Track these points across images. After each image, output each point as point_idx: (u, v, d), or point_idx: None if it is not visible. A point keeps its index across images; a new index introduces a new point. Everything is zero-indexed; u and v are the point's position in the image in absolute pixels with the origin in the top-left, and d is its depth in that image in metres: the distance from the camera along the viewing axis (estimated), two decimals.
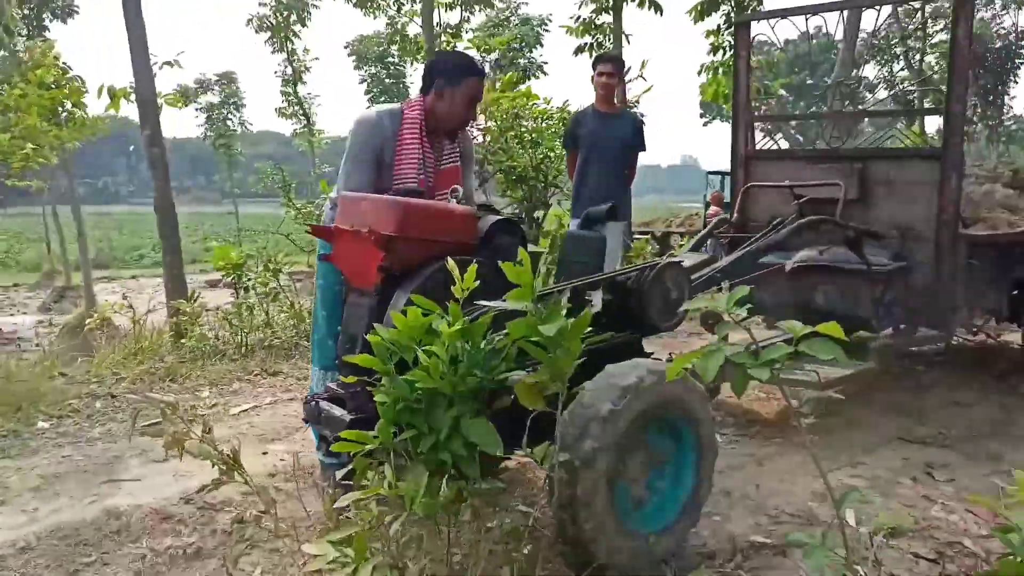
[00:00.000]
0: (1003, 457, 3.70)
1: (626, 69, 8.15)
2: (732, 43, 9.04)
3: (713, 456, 2.77)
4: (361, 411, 2.34)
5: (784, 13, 4.23)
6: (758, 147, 4.78)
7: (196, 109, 25.71)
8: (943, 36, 17.11)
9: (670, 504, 2.71)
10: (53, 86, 6.53)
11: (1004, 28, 25.23)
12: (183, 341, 5.52)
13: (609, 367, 2.57)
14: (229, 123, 26.23)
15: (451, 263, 2.13)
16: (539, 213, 7.62)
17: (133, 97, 6.32)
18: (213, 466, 2.16)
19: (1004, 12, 24.42)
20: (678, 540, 2.69)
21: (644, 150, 5.53)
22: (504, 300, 2.13)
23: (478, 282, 2.18)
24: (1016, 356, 5.14)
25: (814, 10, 4.18)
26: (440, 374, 2.03)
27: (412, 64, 19.23)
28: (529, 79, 22.27)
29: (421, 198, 2.61)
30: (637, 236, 10.38)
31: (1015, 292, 4.74)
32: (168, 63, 6.47)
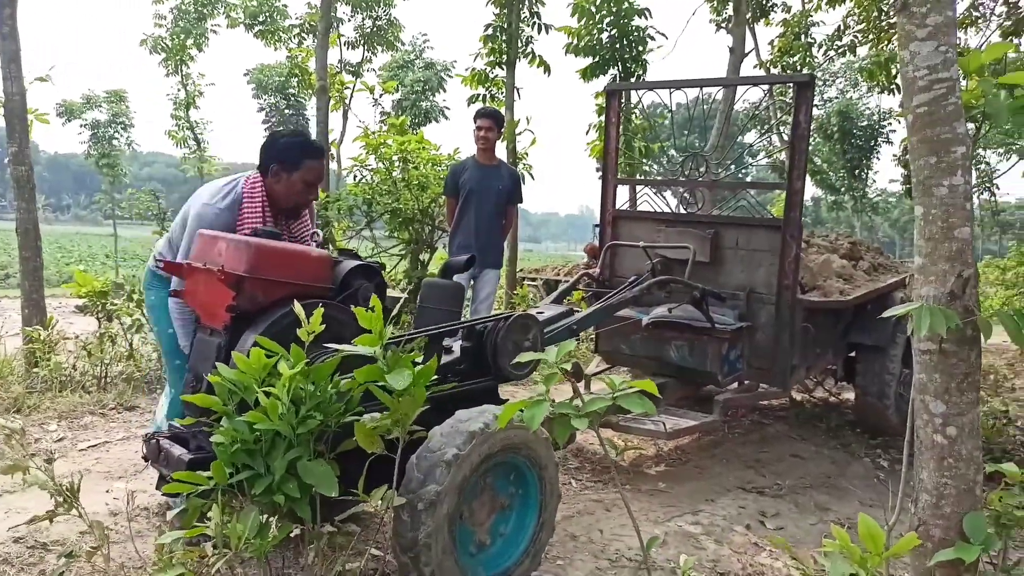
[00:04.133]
0: (829, 508, 4.01)
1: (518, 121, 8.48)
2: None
3: (556, 500, 2.91)
4: (202, 451, 2.34)
5: (651, 85, 4.56)
6: (630, 207, 5.09)
7: (81, 126, 24.50)
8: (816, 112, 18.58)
9: (512, 547, 2.81)
10: None
11: (869, 108, 27.60)
12: (36, 370, 5.24)
13: (459, 412, 2.67)
14: (115, 142, 25.14)
15: (297, 306, 2.18)
16: (425, 256, 7.73)
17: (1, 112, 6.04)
18: (51, 498, 2.11)
19: (869, 94, 26.72)
20: None
21: (521, 202, 5.75)
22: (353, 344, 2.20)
23: (327, 326, 2.25)
24: (848, 414, 5.59)
25: (676, 85, 4.53)
26: (279, 415, 2.07)
27: (311, 98, 19.12)
28: (431, 122, 22.59)
29: (279, 239, 2.66)
30: (529, 282, 10.66)
31: (850, 355, 5.20)
32: (40, 79, 6.23)
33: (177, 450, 2.39)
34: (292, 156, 2.94)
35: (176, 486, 2.09)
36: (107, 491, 3.50)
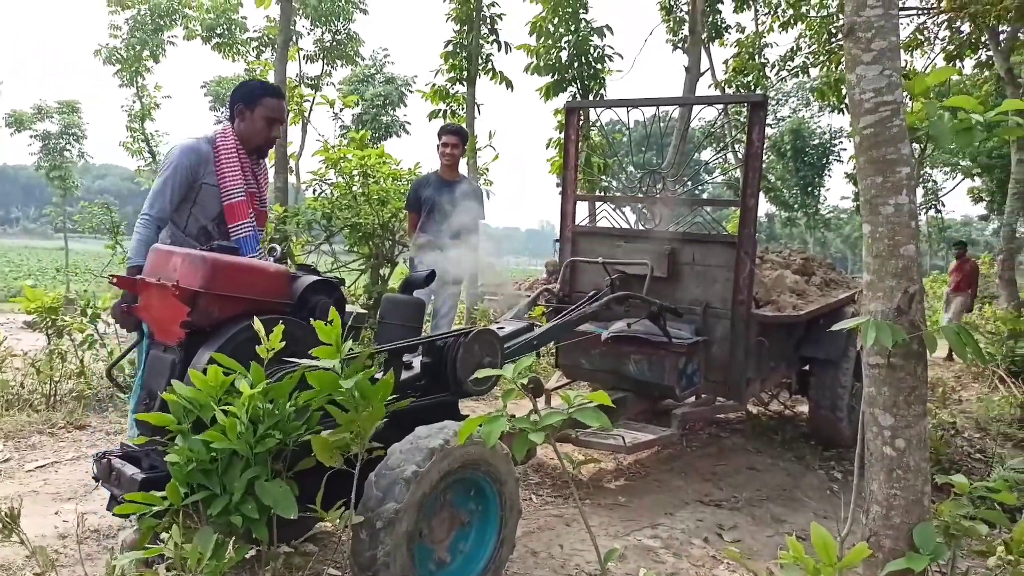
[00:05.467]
0: (785, 520, 4.07)
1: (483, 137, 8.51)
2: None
3: (517, 516, 2.90)
4: (155, 470, 2.29)
5: (610, 104, 4.63)
6: (590, 223, 5.16)
7: (31, 137, 23.91)
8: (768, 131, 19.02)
9: (472, 564, 2.80)
10: None
11: (821, 127, 28.39)
12: None
13: (419, 429, 2.65)
14: (67, 154, 24.57)
15: (257, 322, 2.16)
16: (385, 271, 7.69)
17: None
18: None
19: (821, 113, 27.49)
20: None
21: (483, 219, 5.77)
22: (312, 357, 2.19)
23: (284, 342, 2.22)
24: (802, 426, 5.70)
25: (634, 104, 4.61)
26: (237, 434, 2.04)
27: None
28: (391, 136, 22.56)
29: (237, 253, 2.63)
30: (489, 297, 10.63)
31: (804, 368, 5.31)
32: None
33: (129, 470, 2.34)
34: (251, 95, 3.24)
35: (128, 507, 2.05)
36: (56, 513, 3.39)
